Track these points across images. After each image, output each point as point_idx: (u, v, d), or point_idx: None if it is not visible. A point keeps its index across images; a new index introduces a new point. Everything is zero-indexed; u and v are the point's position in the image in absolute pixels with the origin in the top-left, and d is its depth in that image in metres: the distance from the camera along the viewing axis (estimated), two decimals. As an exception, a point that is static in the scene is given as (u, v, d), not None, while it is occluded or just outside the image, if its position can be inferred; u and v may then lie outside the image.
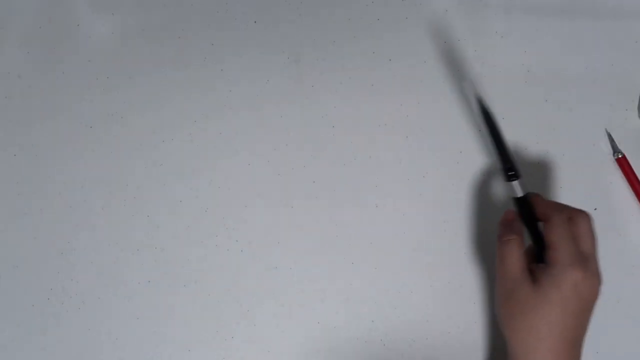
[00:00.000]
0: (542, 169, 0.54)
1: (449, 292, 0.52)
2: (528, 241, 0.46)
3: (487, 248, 0.52)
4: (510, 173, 0.44)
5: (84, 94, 0.57)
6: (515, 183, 0.44)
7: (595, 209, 0.52)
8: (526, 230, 0.46)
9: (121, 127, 0.56)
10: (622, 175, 0.53)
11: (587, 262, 0.41)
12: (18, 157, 0.56)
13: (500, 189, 0.54)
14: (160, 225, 0.54)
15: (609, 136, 0.54)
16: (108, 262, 0.53)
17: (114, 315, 0.52)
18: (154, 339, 0.52)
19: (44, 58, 0.59)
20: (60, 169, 0.55)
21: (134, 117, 0.56)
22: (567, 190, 0.53)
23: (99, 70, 0.58)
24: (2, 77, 0.58)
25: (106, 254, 0.54)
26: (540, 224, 0.45)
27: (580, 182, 0.53)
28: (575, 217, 0.43)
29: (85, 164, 0.55)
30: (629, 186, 0.53)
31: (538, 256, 0.44)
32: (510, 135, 0.55)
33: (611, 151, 0.54)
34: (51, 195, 0.55)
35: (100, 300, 0.53)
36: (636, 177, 0.52)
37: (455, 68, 0.55)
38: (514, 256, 0.42)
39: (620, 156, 0.53)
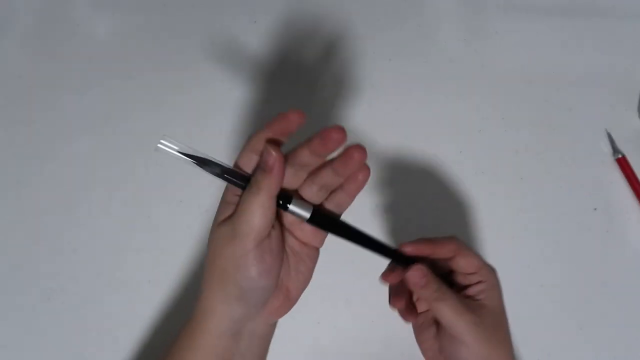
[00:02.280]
0: (542, 169, 0.54)
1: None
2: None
3: (487, 246, 0.52)
4: (280, 202, 0.34)
5: (84, 94, 0.57)
6: (295, 208, 0.35)
7: (595, 209, 0.52)
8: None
9: (121, 127, 0.56)
10: (622, 175, 0.53)
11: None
12: (18, 157, 0.56)
13: (499, 188, 0.54)
14: (160, 225, 0.54)
15: (609, 136, 0.54)
16: (108, 262, 0.53)
17: (114, 316, 0.52)
18: (155, 339, 0.52)
19: (44, 58, 0.59)
20: (60, 169, 0.55)
21: (134, 117, 0.56)
22: (567, 190, 0.53)
23: (99, 70, 0.58)
24: (2, 77, 0.58)
25: (106, 254, 0.53)
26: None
27: (580, 182, 0.53)
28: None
29: (85, 164, 0.55)
30: (629, 186, 0.53)
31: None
32: (511, 135, 0.55)
33: (611, 151, 0.54)
34: (51, 195, 0.55)
35: (101, 300, 0.53)
36: (636, 177, 0.52)
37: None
38: (456, 305, 0.37)
39: (620, 156, 0.53)
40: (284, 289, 0.38)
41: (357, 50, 0.57)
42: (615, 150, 0.53)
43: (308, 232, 0.38)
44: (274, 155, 0.33)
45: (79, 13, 0.60)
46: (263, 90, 0.56)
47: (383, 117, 0.55)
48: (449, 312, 0.37)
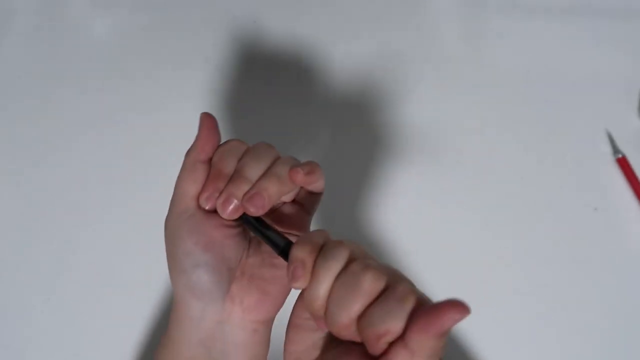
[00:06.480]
0: (542, 169, 0.54)
1: (449, 290, 0.52)
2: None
3: (487, 246, 0.52)
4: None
5: (84, 94, 0.57)
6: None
7: (595, 209, 0.52)
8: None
9: (121, 127, 0.56)
10: (622, 175, 0.53)
11: None
12: (18, 157, 0.56)
13: (499, 188, 0.54)
14: (161, 225, 0.54)
15: (609, 136, 0.54)
16: (108, 262, 0.53)
17: (114, 316, 0.52)
18: (155, 340, 0.52)
19: (44, 58, 0.59)
20: (60, 169, 0.55)
21: (134, 117, 0.56)
22: (567, 190, 0.53)
23: (99, 70, 0.58)
24: (2, 77, 0.58)
25: (106, 254, 0.53)
26: None
27: (580, 182, 0.53)
28: None
29: (85, 164, 0.55)
30: (629, 186, 0.53)
31: None
32: (511, 135, 0.55)
33: (611, 151, 0.54)
34: (51, 195, 0.55)
35: (100, 300, 0.52)
36: (636, 177, 0.52)
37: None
38: None
39: (620, 156, 0.53)
40: (256, 282, 0.32)
41: (357, 50, 0.57)
42: (615, 150, 0.53)
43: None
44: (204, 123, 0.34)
45: (78, 12, 0.60)
46: (263, 90, 0.56)
47: (383, 117, 0.55)
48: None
